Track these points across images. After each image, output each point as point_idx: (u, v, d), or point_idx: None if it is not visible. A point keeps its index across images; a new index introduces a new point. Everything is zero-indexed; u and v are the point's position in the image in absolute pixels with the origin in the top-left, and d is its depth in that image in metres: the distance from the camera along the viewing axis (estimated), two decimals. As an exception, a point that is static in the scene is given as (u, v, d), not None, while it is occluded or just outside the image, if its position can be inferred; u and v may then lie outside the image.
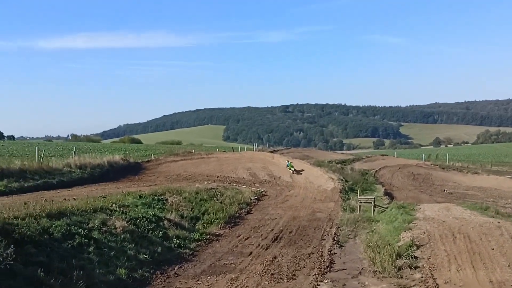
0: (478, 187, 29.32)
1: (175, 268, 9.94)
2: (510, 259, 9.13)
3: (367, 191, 23.76)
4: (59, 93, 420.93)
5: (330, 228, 14.23)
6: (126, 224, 11.05)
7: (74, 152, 26.92)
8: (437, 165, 40.84)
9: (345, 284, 8.76)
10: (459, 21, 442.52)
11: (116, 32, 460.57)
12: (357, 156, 52.63)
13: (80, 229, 9.71)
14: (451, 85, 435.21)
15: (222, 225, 14.34)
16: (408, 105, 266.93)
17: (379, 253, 10.15)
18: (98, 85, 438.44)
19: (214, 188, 19.49)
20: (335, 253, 11.25)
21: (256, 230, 13.92)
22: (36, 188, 17.86)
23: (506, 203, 21.98)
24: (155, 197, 15.24)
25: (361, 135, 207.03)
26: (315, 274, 9.31)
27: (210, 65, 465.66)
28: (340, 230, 13.96)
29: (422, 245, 10.60)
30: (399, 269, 9.32)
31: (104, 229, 10.34)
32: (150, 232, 11.60)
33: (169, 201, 15.34)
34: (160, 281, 9.09)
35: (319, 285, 8.73)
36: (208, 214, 15.18)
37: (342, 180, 25.49)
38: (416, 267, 9.34)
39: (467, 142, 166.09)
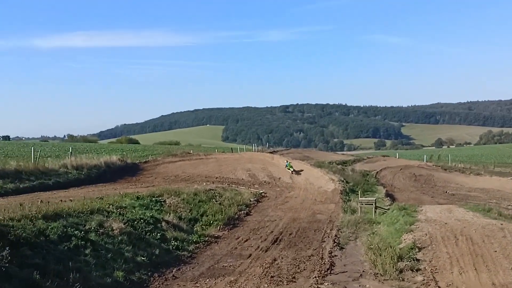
0: (480, 188, 29.15)
1: (173, 270, 9.83)
2: (514, 261, 9.01)
3: (368, 193, 23.67)
4: (55, 92, 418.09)
5: (330, 230, 14.11)
6: (123, 225, 10.95)
7: (71, 152, 26.88)
8: (439, 166, 40.66)
9: (345, 287, 8.67)
10: (462, 20, 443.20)
11: (114, 31, 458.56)
12: (358, 157, 52.63)
13: (77, 231, 9.61)
14: (453, 85, 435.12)
15: (221, 227, 14.23)
16: (410, 105, 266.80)
17: (380, 255, 10.07)
18: (95, 85, 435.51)
19: (212, 189, 19.37)
20: (335, 256, 11.15)
21: (256, 232, 13.81)
22: (32, 189, 17.74)
23: (509, 205, 21.79)
24: (153, 199, 15.12)
25: (362, 135, 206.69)
26: (315, 277, 9.22)
27: (210, 64, 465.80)
28: (341, 232, 13.85)
29: (424, 247, 10.50)
30: (401, 271, 9.24)
31: (101, 231, 10.24)
32: (148, 234, 11.48)
33: (167, 202, 15.23)
34: (158, 283, 8.99)
35: (320, 287, 8.61)
36: (207, 216, 15.06)
37: (342, 181, 25.37)
38: (417, 270, 9.27)
39: (469, 143, 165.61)
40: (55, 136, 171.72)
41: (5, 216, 8.86)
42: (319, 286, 8.68)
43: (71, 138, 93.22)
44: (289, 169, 27.98)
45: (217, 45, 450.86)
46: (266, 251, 11.51)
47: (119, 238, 10.32)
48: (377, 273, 9.34)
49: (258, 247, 11.92)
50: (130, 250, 9.98)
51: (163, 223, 12.73)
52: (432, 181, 32.25)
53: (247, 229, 14.35)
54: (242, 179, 26.48)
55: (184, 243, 11.94)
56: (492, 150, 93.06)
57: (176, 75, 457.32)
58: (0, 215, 8.87)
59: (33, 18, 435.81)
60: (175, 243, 11.66)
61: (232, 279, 9.13)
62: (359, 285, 8.76)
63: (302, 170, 28.04)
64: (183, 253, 11.23)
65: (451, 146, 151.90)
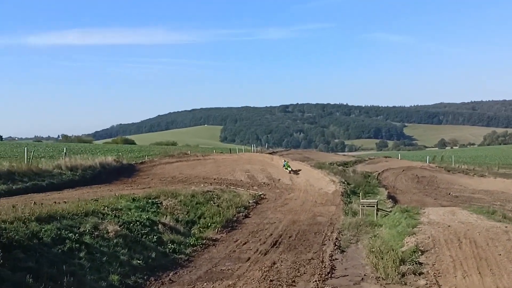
0: (484, 190, 29.01)
1: (170, 274, 9.66)
2: (518, 265, 8.85)
3: (369, 194, 23.50)
4: (49, 91, 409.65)
5: (331, 233, 13.93)
6: (118, 228, 10.76)
7: (65, 153, 26.53)
8: (442, 168, 40.49)
9: (346, 292, 8.49)
10: (465, 19, 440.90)
11: (111, 28, 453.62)
12: (359, 158, 52.53)
13: (71, 234, 9.44)
14: (457, 84, 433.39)
15: (219, 229, 14.03)
16: (412, 105, 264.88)
17: (382, 258, 9.94)
18: (90, 84, 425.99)
19: (210, 191, 19.16)
20: (336, 259, 10.98)
21: (255, 235, 13.64)
22: (25, 190, 17.50)
23: (513, 207, 21.63)
24: (149, 200, 14.91)
25: (364, 136, 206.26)
26: (315, 281, 9.07)
27: (209, 63, 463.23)
28: (342, 234, 13.68)
29: (426, 251, 10.36)
30: (403, 275, 9.11)
31: (96, 233, 10.07)
32: (144, 236, 11.30)
33: (163, 204, 15.03)
34: (154, 287, 8.83)
35: (320, 292, 8.46)
36: (205, 218, 14.85)
37: (343, 182, 25.21)
38: (420, 274, 9.14)
39: (473, 144, 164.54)
40: (49, 136, 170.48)
41: (-3, 218, 8.71)
42: (319, 290, 8.51)
43: (65, 138, 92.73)
44: (286, 168, 27.85)
45: (216, 43, 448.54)
46: (265, 254, 11.34)
47: (115, 241, 10.14)
48: (379, 277, 9.21)
49: (257, 250, 11.74)
50: (125, 253, 9.80)
51: (160, 226, 12.54)
52: (435, 182, 32.12)
53: (246, 231, 14.17)
54: (241, 180, 26.31)
55: (181, 246, 11.74)
56: (496, 151, 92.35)
57: (175, 74, 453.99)
58: (-8, 217, 8.71)
59: (26, 15, 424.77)
60: (172, 246, 11.45)
61: (230, 283, 8.98)
62: (360, 290, 8.59)
63: (300, 170, 27.87)
64: (180, 256, 11.04)
65: (454, 147, 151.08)
